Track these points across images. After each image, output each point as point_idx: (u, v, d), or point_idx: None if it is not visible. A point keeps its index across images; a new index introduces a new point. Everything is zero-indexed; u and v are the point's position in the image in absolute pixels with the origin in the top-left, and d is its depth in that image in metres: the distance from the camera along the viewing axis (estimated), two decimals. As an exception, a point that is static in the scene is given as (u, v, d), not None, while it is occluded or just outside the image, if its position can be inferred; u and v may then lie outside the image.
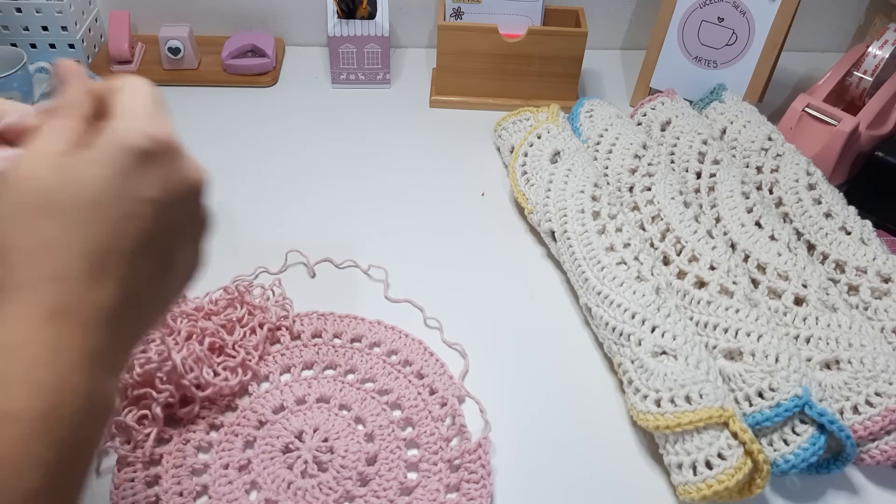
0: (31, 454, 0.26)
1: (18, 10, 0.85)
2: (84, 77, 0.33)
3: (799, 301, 0.58)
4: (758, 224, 0.65)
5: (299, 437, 0.53)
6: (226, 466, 0.51)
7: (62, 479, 0.28)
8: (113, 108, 0.32)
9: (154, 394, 0.52)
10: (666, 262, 0.63)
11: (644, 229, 0.66)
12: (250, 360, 0.56)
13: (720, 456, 0.48)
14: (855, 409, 0.52)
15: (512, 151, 0.77)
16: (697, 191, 0.70)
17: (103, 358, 0.29)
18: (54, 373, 0.27)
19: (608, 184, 0.70)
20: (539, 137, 0.74)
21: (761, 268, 0.61)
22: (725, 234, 0.65)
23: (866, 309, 0.60)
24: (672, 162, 0.74)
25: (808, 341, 0.56)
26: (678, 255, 0.62)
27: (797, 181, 0.69)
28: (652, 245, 0.65)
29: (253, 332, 0.58)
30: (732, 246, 0.64)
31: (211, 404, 0.54)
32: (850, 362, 0.54)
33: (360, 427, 0.54)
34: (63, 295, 0.28)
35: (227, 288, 0.60)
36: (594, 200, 0.66)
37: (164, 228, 0.31)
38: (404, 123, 0.86)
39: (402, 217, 0.73)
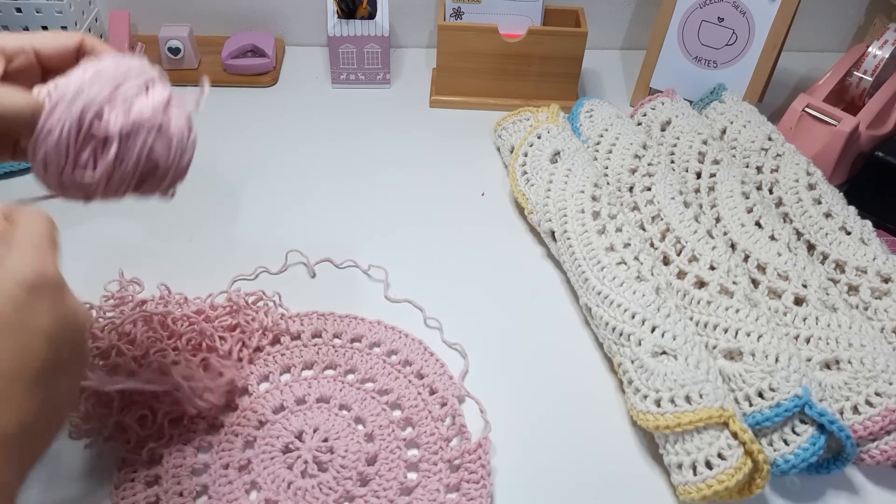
0: None
1: (18, 10, 0.85)
2: None
3: (799, 301, 0.58)
4: (758, 224, 0.65)
5: (299, 437, 0.53)
6: (226, 466, 0.51)
7: None
8: (7, 239, 0.34)
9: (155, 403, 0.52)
10: (666, 262, 0.63)
11: (644, 229, 0.66)
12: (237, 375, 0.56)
13: (720, 456, 0.48)
14: (855, 409, 0.52)
15: (512, 151, 0.77)
16: (697, 191, 0.70)
17: (5, 487, 0.30)
18: None
19: (608, 184, 0.70)
20: (539, 137, 0.74)
21: (761, 268, 0.61)
22: (725, 234, 0.65)
23: (866, 309, 0.60)
24: (672, 162, 0.74)
25: (808, 341, 0.56)
26: (678, 255, 0.62)
27: (797, 181, 0.69)
28: (652, 245, 0.65)
29: (244, 345, 0.58)
30: (732, 246, 0.64)
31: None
32: (850, 362, 0.54)
33: (360, 427, 0.54)
34: None
35: (230, 296, 0.60)
36: (594, 200, 0.66)
37: (55, 361, 0.33)
38: (404, 123, 0.86)
39: (402, 217, 0.73)
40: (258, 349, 0.58)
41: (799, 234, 0.66)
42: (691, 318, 0.58)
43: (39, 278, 0.32)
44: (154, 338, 0.55)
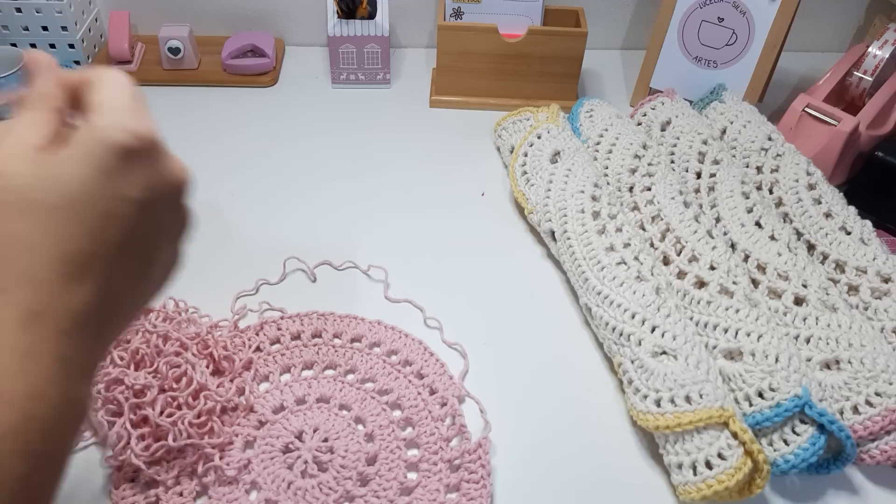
0: (3, 468, 0.26)
1: (18, 10, 0.85)
2: (55, 68, 0.31)
3: (799, 301, 0.58)
4: (758, 224, 0.65)
5: (299, 437, 0.53)
6: (227, 465, 0.51)
7: (34, 491, 0.27)
8: (90, 102, 0.30)
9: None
10: (666, 262, 0.63)
11: (644, 229, 0.66)
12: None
13: (720, 456, 0.48)
14: (855, 409, 0.52)
15: (512, 151, 0.77)
16: (697, 191, 0.70)
17: (76, 364, 0.29)
18: (26, 385, 0.26)
19: (608, 184, 0.70)
20: (539, 137, 0.74)
21: (761, 268, 0.61)
22: (725, 234, 0.65)
23: (866, 309, 0.60)
24: (672, 162, 0.74)
25: (808, 341, 0.56)
26: (678, 255, 0.62)
27: (797, 181, 0.69)
28: (652, 245, 0.65)
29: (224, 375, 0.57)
30: (732, 246, 0.64)
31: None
32: (850, 362, 0.54)
33: (360, 427, 0.54)
34: (37, 298, 0.27)
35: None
36: (594, 200, 0.66)
37: (145, 229, 0.30)
38: (404, 123, 0.86)
39: (402, 217, 0.73)
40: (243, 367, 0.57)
41: (799, 234, 0.66)
42: (691, 318, 0.58)
43: (136, 141, 0.29)
44: (147, 354, 0.53)
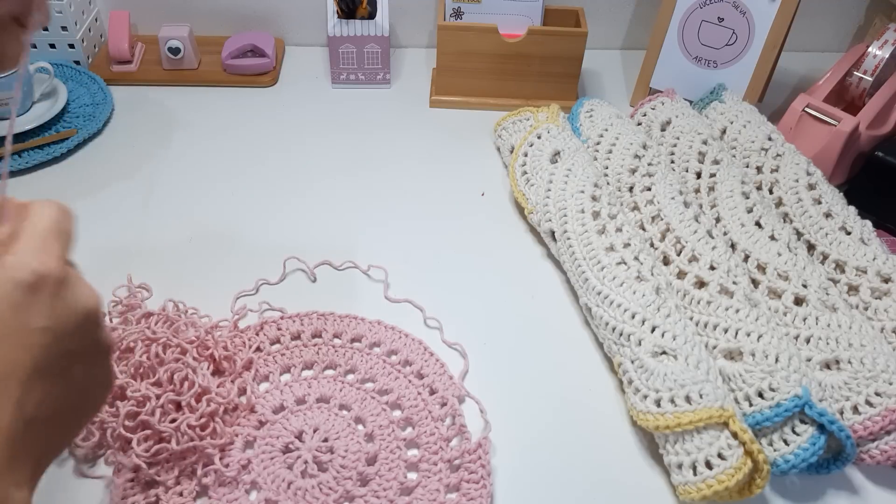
0: None
1: (18, 10, 0.85)
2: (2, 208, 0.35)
3: (799, 301, 0.58)
4: (758, 224, 0.65)
5: (299, 437, 0.53)
6: (226, 466, 0.51)
7: None
8: (14, 235, 0.34)
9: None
10: (666, 262, 0.63)
11: (644, 229, 0.66)
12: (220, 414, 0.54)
13: (720, 456, 0.48)
14: (855, 409, 0.52)
15: (512, 151, 0.77)
16: (697, 191, 0.70)
17: (5, 474, 0.31)
18: None
19: (608, 184, 0.70)
20: (539, 137, 0.74)
21: (761, 268, 0.61)
22: (725, 234, 0.65)
23: (866, 309, 0.60)
24: (672, 162, 0.74)
25: (808, 341, 0.56)
26: (678, 255, 0.62)
27: (797, 181, 0.69)
28: (652, 245, 0.65)
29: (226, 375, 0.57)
30: (732, 246, 0.64)
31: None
32: (850, 362, 0.54)
33: (360, 427, 0.54)
34: None
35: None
36: (594, 200, 0.66)
37: (58, 355, 0.33)
38: (404, 123, 0.86)
39: (402, 217, 0.73)
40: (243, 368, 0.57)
41: (799, 234, 0.66)
42: (691, 318, 0.58)
43: (37, 278, 0.32)
44: (148, 366, 0.53)
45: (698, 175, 0.71)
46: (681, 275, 0.61)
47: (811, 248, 0.65)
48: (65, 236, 0.35)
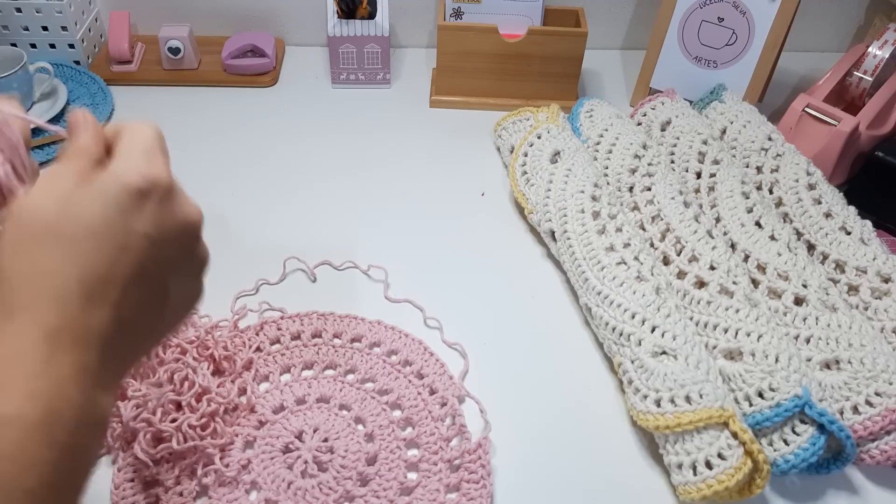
0: (29, 454, 0.28)
1: (18, 10, 0.85)
2: (94, 124, 0.35)
3: (799, 301, 0.58)
4: (758, 224, 0.65)
5: (299, 437, 0.53)
6: (226, 466, 0.51)
7: (59, 481, 0.29)
8: (115, 150, 0.34)
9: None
10: (666, 262, 0.63)
11: (644, 229, 0.66)
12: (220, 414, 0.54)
13: (720, 456, 0.48)
14: (855, 409, 0.52)
15: (512, 151, 0.77)
16: (697, 191, 0.70)
17: (97, 375, 0.32)
18: (49, 383, 0.30)
19: (608, 184, 0.70)
20: (539, 137, 0.74)
21: (761, 268, 0.61)
22: (725, 234, 0.65)
23: (866, 309, 0.60)
24: (672, 162, 0.74)
25: (808, 341, 0.56)
26: (678, 255, 0.62)
27: (797, 181, 0.69)
28: (652, 245, 0.65)
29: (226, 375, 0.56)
30: (732, 246, 0.64)
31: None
32: (850, 362, 0.54)
33: (360, 427, 0.54)
34: (59, 316, 0.30)
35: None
36: (594, 200, 0.66)
37: (157, 262, 0.34)
38: (404, 123, 0.86)
39: (402, 217, 0.73)
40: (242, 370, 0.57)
41: (799, 234, 0.66)
42: (691, 318, 0.58)
43: (147, 183, 0.33)
44: (149, 366, 0.53)
45: (698, 175, 0.71)
46: (681, 275, 0.61)
47: (811, 248, 0.65)
48: (165, 153, 0.35)
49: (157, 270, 0.34)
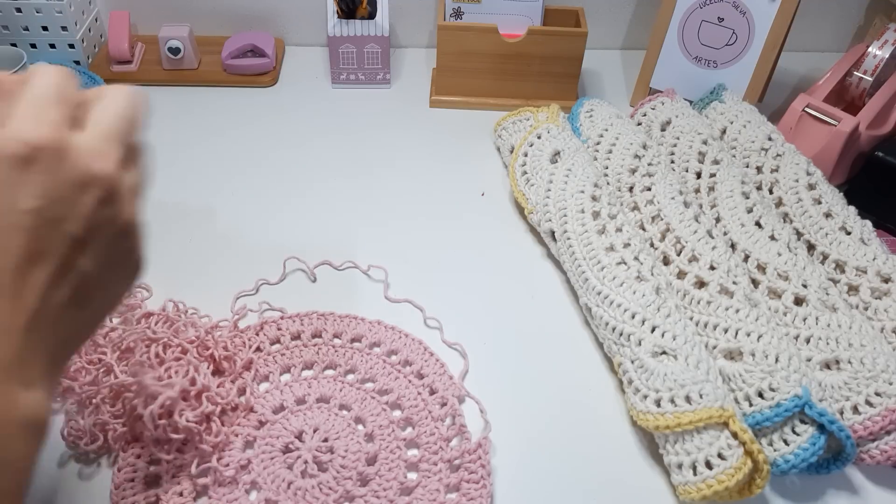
0: None
1: (18, 10, 0.85)
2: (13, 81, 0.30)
3: (799, 301, 0.58)
4: (758, 224, 0.65)
5: (299, 437, 0.53)
6: (226, 466, 0.51)
7: None
8: (11, 102, 0.29)
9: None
10: (666, 262, 0.63)
11: (644, 229, 0.66)
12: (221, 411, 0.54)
13: (720, 456, 0.48)
14: (855, 409, 0.52)
15: (512, 151, 0.77)
16: (697, 191, 0.70)
17: (10, 371, 0.28)
18: None
19: (608, 184, 0.70)
20: (539, 137, 0.74)
21: (761, 268, 0.61)
22: (725, 234, 0.65)
23: (866, 309, 0.60)
24: (672, 162, 0.74)
25: (808, 341, 0.56)
26: (678, 255, 0.62)
27: (797, 181, 0.69)
28: (652, 245, 0.65)
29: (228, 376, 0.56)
30: (732, 246, 0.64)
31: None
32: (850, 362, 0.54)
33: (360, 427, 0.54)
34: None
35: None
36: (594, 200, 0.66)
37: (57, 238, 0.29)
38: (404, 123, 0.86)
39: (402, 217, 0.73)
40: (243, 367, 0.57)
41: (799, 234, 0.66)
42: (691, 318, 0.58)
43: (30, 149, 0.28)
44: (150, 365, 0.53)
45: (698, 175, 0.71)
46: (681, 275, 0.61)
47: (811, 248, 0.65)
48: (63, 103, 0.30)
49: (59, 248, 0.29)
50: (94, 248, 0.31)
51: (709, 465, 0.48)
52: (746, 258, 0.63)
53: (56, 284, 0.30)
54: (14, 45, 0.86)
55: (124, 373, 0.52)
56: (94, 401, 0.52)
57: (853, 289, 0.61)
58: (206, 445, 0.51)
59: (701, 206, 0.69)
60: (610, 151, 0.73)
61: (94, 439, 0.51)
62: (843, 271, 0.62)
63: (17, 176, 0.28)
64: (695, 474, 0.49)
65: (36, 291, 0.29)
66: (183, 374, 0.52)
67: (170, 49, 0.88)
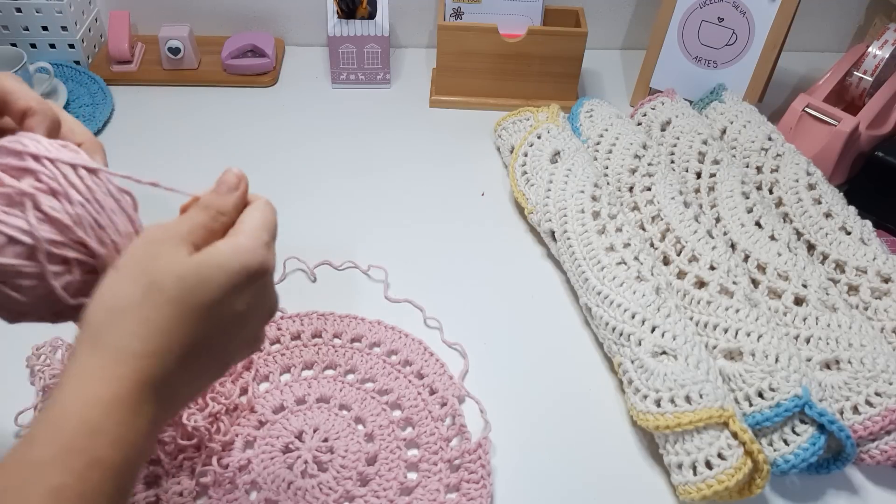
0: (104, 497, 0.30)
1: (18, 10, 0.85)
2: (243, 189, 0.37)
3: (799, 301, 0.58)
4: (758, 224, 0.65)
5: (299, 437, 0.53)
6: (226, 466, 0.51)
7: None
8: (242, 221, 0.36)
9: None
10: (666, 262, 0.63)
11: (644, 229, 0.66)
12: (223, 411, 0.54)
13: (720, 456, 0.48)
14: (855, 409, 0.52)
15: (512, 151, 0.77)
16: (697, 191, 0.70)
17: (158, 425, 0.34)
18: (133, 434, 0.31)
19: (608, 184, 0.70)
20: (539, 137, 0.74)
21: (761, 268, 0.61)
22: (725, 234, 0.65)
23: (866, 309, 0.60)
24: (672, 162, 0.74)
25: (808, 341, 0.56)
26: (678, 255, 0.62)
27: (797, 181, 0.69)
28: (652, 245, 0.65)
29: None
30: (732, 246, 0.64)
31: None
32: (850, 362, 0.54)
33: (360, 427, 0.54)
34: (156, 370, 0.32)
35: None
36: (594, 200, 0.66)
37: (237, 336, 0.36)
38: (404, 123, 0.86)
39: (402, 217, 0.73)
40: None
41: (799, 234, 0.66)
42: (691, 318, 0.58)
43: (263, 269, 0.34)
44: None
45: (698, 175, 0.71)
46: (681, 275, 0.61)
47: (811, 248, 0.65)
48: (275, 236, 0.37)
49: (232, 341, 0.36)
50: (245, 335, 0.37)
51: (709, 465, 0.48)
52: (746, 258, 0.63)
53: (212, 364, 0.36)
54: (14, 45, 0.86)
55: None
56: None
57: (853, 289, 0.61)
58: (215, 444, 0.51)
59: (701, 206, 0.68)
60: (610, 151, 0.73)
61: None
62: (843, 271, 0.62)
63: (246, 284, 0.34)
64: (695, 474, 0.49)
65: (200, 368, 0.35)
66: None
67: (170, 49, 0.88)
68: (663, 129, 0.77)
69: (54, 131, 0.37)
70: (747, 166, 0.73)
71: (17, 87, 0.37)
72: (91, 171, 0.35)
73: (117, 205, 0.36)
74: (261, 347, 0.40)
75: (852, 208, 0.66)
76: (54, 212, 0.33)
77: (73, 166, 0.34)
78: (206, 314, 0.33)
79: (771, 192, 0.70)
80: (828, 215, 0.66)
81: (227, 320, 0.34)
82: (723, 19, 0.81)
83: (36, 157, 0.33)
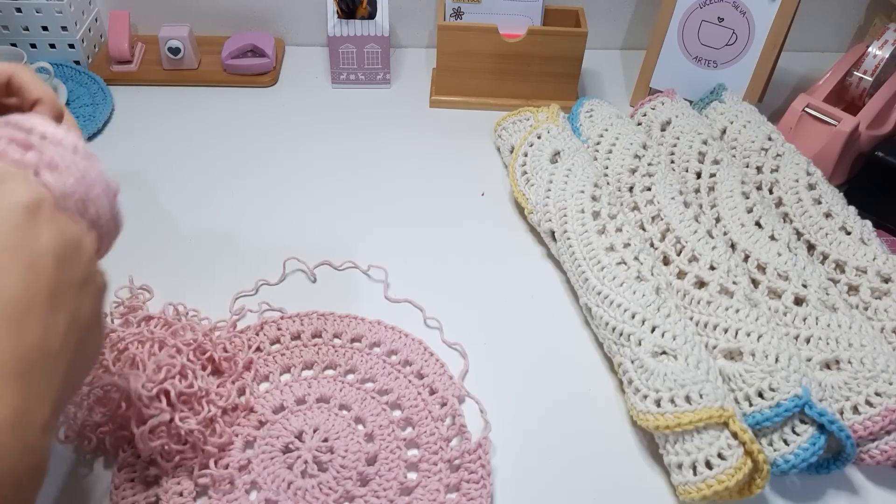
0: None
1: (18, 10, 0.85)
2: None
3: (799, 301, 0.58)
4: (758, 224, 0.65)
5: (299, 437, 0.53)
6: (226, 466, 0.51)
7: None
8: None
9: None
10: (666, 262, 0.63)
11: (644, 229, 0.66)
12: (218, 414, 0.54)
13: (720, 456, 0.48)
14: (855, 409, 0.52)
15: (512, 151, 0.77)
16: (697, 191, 0.70)
17: (29, 413, 0.29)
18: None
19: (608, 184, 0.70)
20: (539, 137, 0.74)
21: (761, 268, 0.61)
22: (725, 234, 0.65)
23: (866, 309, 0.60)
24: (672, 162, 0.74)
25: (808, 341, 0.56)
26: (678, 255, 0.62)
27: (797, 181, 0.69)
28: (652, 245, 0.65)
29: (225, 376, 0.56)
30: (732, 246, 0.64)
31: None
32: (850, 362, 0.54)
33: (360, 427, 0.54)
34: None
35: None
36: (594, 200, 0.66)
37: (66, 281, 0.33)
38: (404, 123, 0.86)
39: (402, 217, 0.73)
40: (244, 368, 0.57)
41: (799, 234, 0.66)
42: (691, 318, 0.58)
43: (38, 199, 0.33)
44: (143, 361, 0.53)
45: (698, 175, 0.71)
46: (681, 275, 0.61)
47: (811, 248, 0.65)
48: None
49: (67, 291, 0.33)
50: (89, 299, 0.34)
51: (709, 465, 0.48)
52: (746, 258, 0.63)
53: (65, 329, 0.32)
54: (14, 45, 0.86)
55: (118, 374, 0.52)
56: (86, 402, 0.52)
57: (853, 289, 0.61)
58: (210, 447, 0.51)
59: (701, 206, 0.69)
60: (610, 151, 0.73)
61: (87, 441, 0.51)
62: (843, 271, 0.62)
63: (32, 220, 0.32)
64: (695, 474, 0.49)
65: (58, 324, 0.32)
66: (175, 374, 0.52)
67: (170, 49, 0.88)
68: (663, 129, 0.77)
69: (58, 120, 0.41)
70: (747, 166, 0.73)
71: (32, 79, 0.42)
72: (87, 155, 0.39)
73: (103, 189, 0.39)
74: (102, 325, 0.37)
75: (852, 208, 0.66)
76: (49, 182, 0.36)
77: (74, 148, 0.38)
78: (8, 262, 0.31)
79: (771, 192, 0.70)
80: (828, 215, 0.66)
81: (42, 263, 0.32)
82: (723, 19, 0.81)
83: (42, 136, 0.37)
